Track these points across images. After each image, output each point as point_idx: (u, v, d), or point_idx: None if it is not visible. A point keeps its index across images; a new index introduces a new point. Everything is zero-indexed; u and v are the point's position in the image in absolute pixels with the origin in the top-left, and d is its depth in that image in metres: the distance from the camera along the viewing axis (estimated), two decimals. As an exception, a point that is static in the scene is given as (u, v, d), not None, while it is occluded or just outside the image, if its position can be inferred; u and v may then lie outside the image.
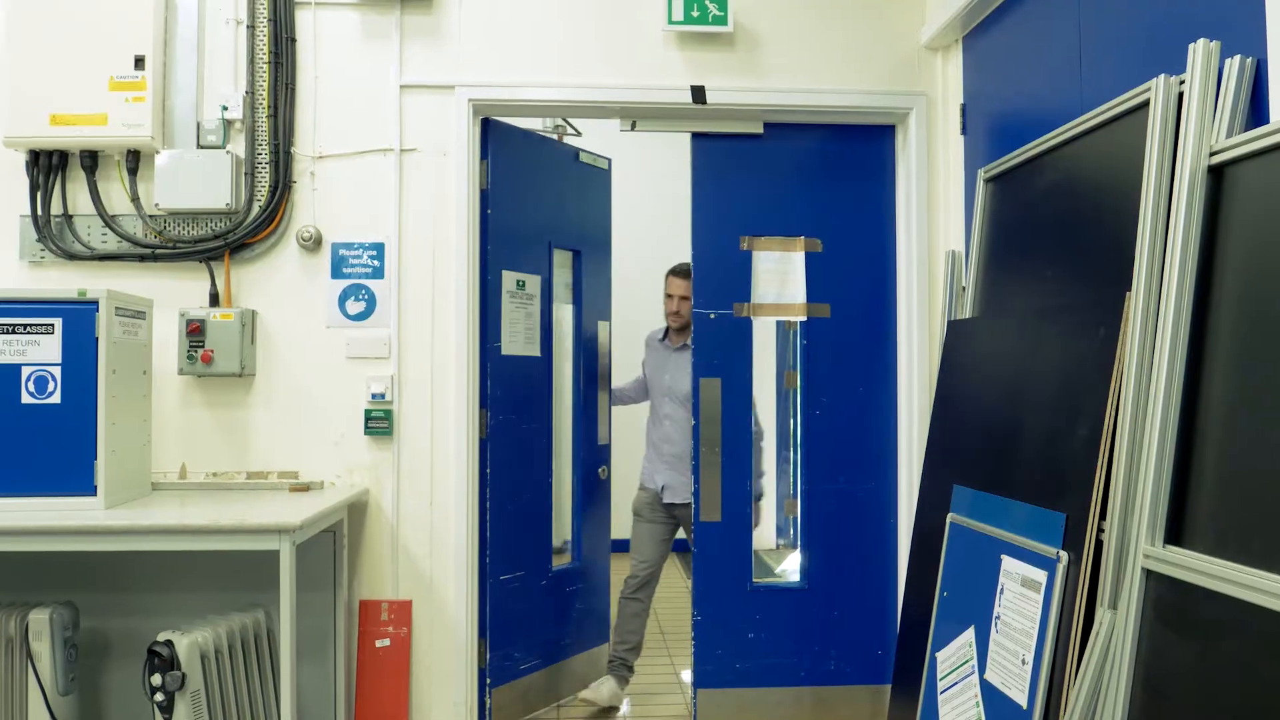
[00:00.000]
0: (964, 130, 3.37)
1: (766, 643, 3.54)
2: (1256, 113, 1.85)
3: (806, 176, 3.60)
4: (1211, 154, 1.84)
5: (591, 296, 4.06)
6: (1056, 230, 2.53)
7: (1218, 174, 1.83)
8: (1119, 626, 1.86)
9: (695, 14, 3.37)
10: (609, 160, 4.14)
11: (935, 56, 3.50)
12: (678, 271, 3.91)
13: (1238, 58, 1.86)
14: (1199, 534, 1.74)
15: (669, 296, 3.93)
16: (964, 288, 3.09)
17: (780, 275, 3.61)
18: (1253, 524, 1.61)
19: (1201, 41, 1.90)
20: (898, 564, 3.51)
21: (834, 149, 3.61)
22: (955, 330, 3.01)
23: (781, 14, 3.47)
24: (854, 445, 3.58)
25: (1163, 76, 2.02)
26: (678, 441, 3.86)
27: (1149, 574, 1.80)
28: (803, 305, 3.59)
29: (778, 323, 3.78)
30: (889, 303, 3.59)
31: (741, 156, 3.57)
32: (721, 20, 3.37)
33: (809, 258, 3.59)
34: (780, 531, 4.37)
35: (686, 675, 4.06)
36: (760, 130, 3.56)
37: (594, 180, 4.05)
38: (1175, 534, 1.79)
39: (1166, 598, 1.76)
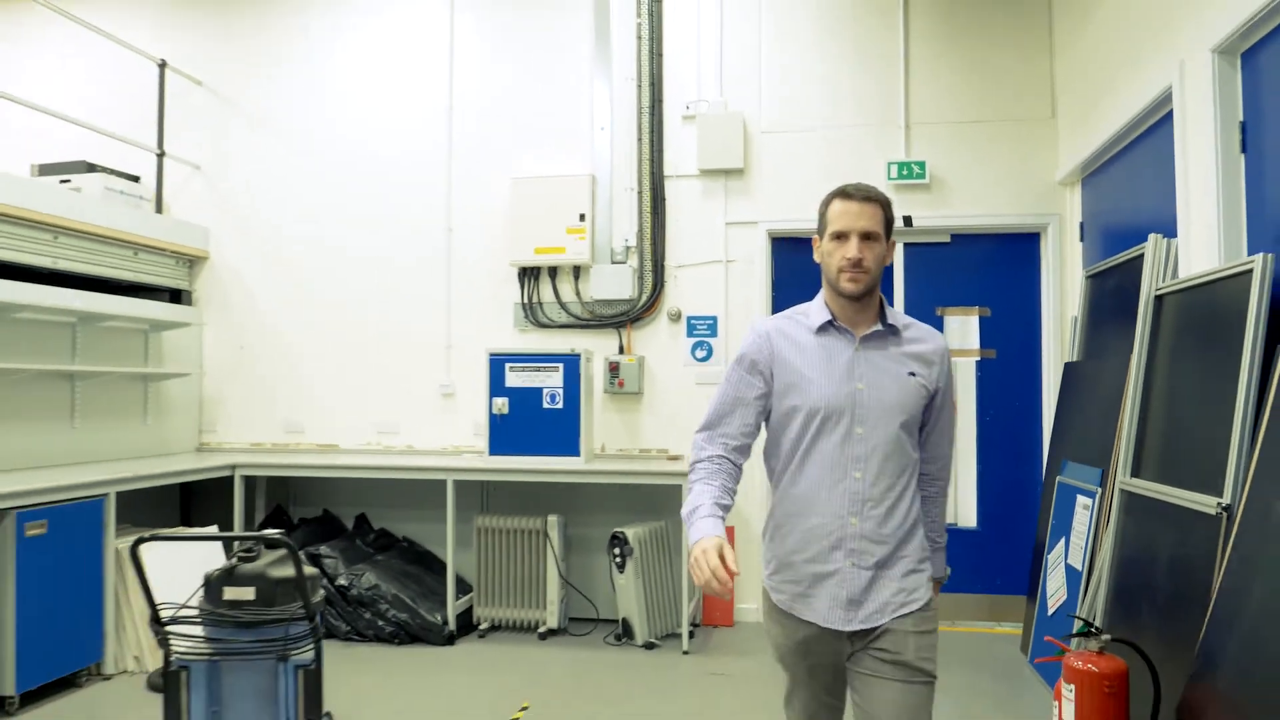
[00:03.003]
0: (1081, 238, 5.26)
1: (956, 563, 5.51)
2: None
3: (979, 267, 5.61)
4: (1157, 290, 3.78)
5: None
6: (1114, 314, 4.45)
7: (1160, 300, 3.77)
8: (1115, 523, 3.81)
9: (905, 173, 5.48)
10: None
11: (1065, 189, 5.41)
12: (850, 193, 2.20)
13: (1177, 239, 3.79)
14: (1144, 468, 3.68)
15: (839, 237, 2.19)
16: (1078, 342, 5.00)
17: (962, 331, 5.63)
18: (1163, 461, 3.55)
19: (1153, 235, 3.85)
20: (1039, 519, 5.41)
21: (998, 249, 5.59)
22: (1067, 370, 4.94)
23: (960, 166, 5.51)
24: (1011, 443, 5.53)
25: (1148, 245, 3.95)
26: (874, 501, 2.16)
27: (1121, 491, 3.75)
28: (977, 350, 5.58)
29: (962, 362, 5.74)
30: (1036, 349, 5.51)
31: (936, 256, 5.64)
32: (921, 175, 5.46)
33: (981, 320, 5.59)
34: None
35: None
36: (948, 239, 5.61)
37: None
38: (1136, 470, 3.73)
39: (1128, 502, 3.71)
